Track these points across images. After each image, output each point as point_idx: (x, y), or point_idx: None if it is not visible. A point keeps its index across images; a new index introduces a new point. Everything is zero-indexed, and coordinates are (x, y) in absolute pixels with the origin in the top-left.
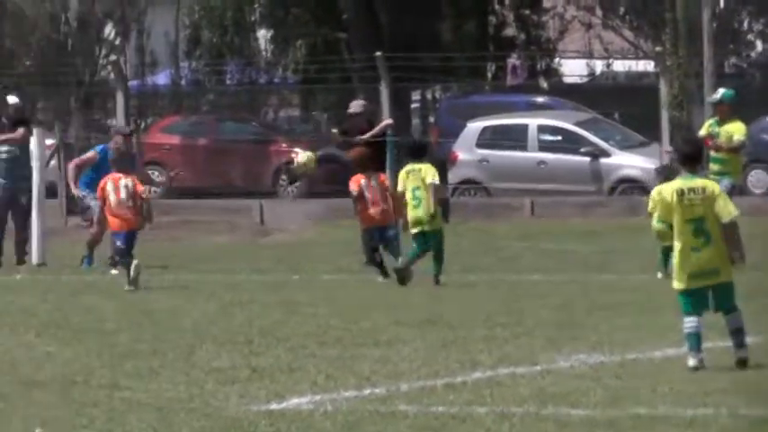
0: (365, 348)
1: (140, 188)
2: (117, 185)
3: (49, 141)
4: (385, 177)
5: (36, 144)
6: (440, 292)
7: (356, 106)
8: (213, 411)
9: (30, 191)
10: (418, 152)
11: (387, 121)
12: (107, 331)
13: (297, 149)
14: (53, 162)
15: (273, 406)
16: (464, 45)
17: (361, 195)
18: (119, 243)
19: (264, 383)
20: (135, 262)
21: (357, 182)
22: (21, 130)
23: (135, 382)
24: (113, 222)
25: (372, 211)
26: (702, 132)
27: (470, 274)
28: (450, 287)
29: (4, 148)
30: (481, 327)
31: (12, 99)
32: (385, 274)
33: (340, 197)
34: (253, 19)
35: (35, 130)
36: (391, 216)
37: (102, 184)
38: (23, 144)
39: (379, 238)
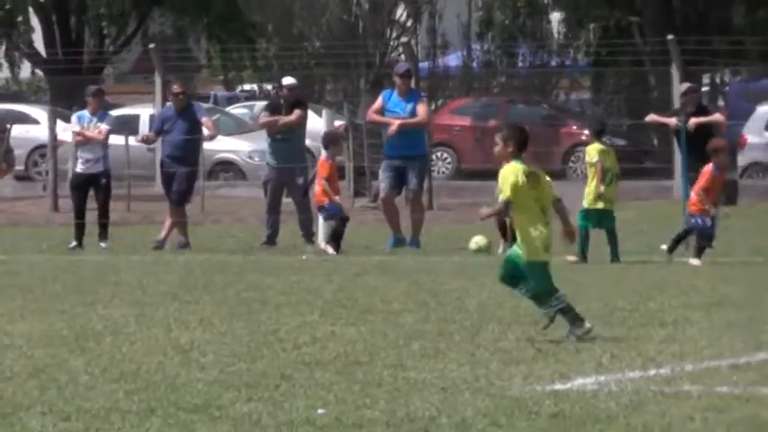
0: (651, 329)
1: None
2: None
3: (337, 122)
4: None
5: (324, 125)
6: (727, 273)
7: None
8: (497, 391)
9: (305, 171)
10: (602, 133)
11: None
12: (393, 311)
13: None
14: None
15: (558, 386)
16: (756, 29)
17: None
18: None
19: (549, 363)
20: None
21: None
22: (297, 112)
23: (420, 362)
24: None
25: None
26: None
27: (758, 256)
28: (738, 268)
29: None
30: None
31: (287, 80)
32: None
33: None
34: (546, 1)
35: (324, 112)
36: None
37: None
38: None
39: None
